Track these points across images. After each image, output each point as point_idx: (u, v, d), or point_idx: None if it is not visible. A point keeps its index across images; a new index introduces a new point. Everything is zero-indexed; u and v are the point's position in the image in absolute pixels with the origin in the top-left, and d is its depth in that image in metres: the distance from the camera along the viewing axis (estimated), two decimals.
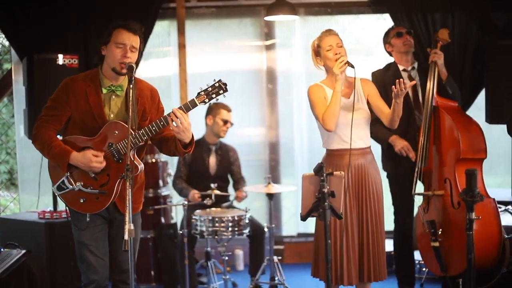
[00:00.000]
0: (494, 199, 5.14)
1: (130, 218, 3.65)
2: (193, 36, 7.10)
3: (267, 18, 6.32)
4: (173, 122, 3.93)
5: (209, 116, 6.24)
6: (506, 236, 5.37)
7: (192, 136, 4.05)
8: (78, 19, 6.47)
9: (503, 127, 6.47)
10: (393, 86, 4.50)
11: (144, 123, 4.10)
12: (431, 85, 5.37)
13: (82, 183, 4.03)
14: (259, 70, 7.25)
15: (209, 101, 3.98)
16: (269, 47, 7.20)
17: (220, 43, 7.19)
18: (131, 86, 3.87)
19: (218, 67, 7.20)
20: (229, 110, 6.21)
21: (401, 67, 5.61)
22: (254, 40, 7.21)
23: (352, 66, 4.62)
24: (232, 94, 4.03)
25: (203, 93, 3.98)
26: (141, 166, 4.15)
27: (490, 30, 6.50)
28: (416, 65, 5.65)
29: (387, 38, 5.69)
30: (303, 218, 3.79)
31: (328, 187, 3.51)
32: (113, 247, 4.23)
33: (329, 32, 4.79)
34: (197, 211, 5.69)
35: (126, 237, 3.59)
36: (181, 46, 6.91)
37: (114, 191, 4.05)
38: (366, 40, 7.14)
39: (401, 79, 4.51)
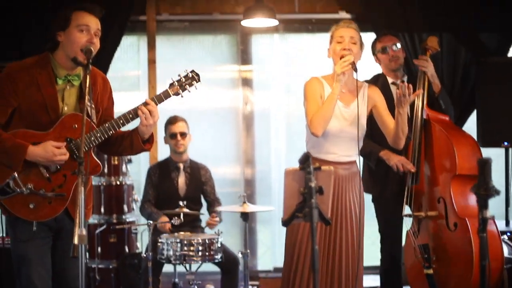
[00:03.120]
0: (493, 216, 4.66)
1: (82, 223, 3.13)
2: (164, 52, 6.63)
3: (244, 23, 5.86)
4: (143, 115, 3.56)
5: (165, 137, 5.81)
6: (504, 267, 4.90)
7: (152, 133, 3.68)
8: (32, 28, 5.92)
9: (496, 151, 6.06)
10: (396, 90, 3.98)
11: (97, 114, 3.65)
12: (421, 97, 4.93)
13: (32, 185, 3.47)
14: (234, 98, 6.81)
15: (182, 92, 3.72)
16: (245, 66, 6.79)
17: (193, 62, 6.71)
18: (87, 72, 3.42)
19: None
20: (174, 122, 5.69)
21: (390, 80, 5.17)
22: (229, 60, 6.79)
23: (356, 70, 4.08)
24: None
25: (176, 83, 3.71)
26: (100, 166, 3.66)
27: (479, 51, 6.17)
28: (405, 78, 5.21)
29: (374, 50, 5.27)
30: (285, 223, 3.23)
31: (315, 181, 2.99)
32: (59, 262, 3.65)
33: (348, 23, 4.27)
34: (164, 234, 5.12)
35: (75, 241, 3.05)
36: (151, 62, 6.44)
37: (71, 194, 3.51)
38: None
39: (405, 83, 4.03)
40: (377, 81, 5.16)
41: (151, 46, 6.47)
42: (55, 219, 3.57)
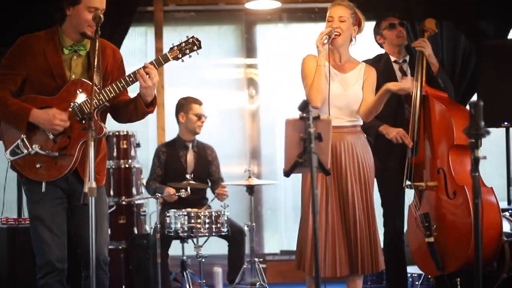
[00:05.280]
0: (492, 188, 4.80)
1: (92, 176, 3.27)
2: (171, 42, 6.77)
3: (248, 5, 6.03)
4: (142, 77, 3.66)
5: (181, 113, 5.89)
6: (506, 239, 5.01)
7: (155, 95, 3.79)
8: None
9: (497, 132, 6.18)
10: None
11: (106, 83, 3.77)
12: (420, 74, 5.09)
13: (39, 146, 3.65)
14: (240, 82, 6.97)
15: (182, 56, 3.77)
16: (250, 56, 6.99)
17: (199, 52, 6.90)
18: (96, 36, 3.58)
19: (195, 79, 6.92)
20: (200, 104, 5.87)
21: (392, 58, 5.31)
22: (234, 49, 6.99)
23: (329, 37, 4.28)
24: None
25: (176, 48, 3.78)
26: (106, 129, 3.79)
27: (477, 37, 6.29)
28: (407, 58, 5.36)
29: (378, 29, 5.39)
30: (287, 173, 3.38)
31: (314, 128, 3.13)
32: (76, 225, 3.79)
33: (339, 1, 4.45)
34: (171, 209, 5.26)
35: (85, 189, 3.21)
36: (159, 50, 6.59)
37: (75, 155, 3.66)
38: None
39: (407, 77, 4.33)
40: (380, 60, 5.30)
41: (159, 36, 6.65)
42: (66, 181, 3.72)
